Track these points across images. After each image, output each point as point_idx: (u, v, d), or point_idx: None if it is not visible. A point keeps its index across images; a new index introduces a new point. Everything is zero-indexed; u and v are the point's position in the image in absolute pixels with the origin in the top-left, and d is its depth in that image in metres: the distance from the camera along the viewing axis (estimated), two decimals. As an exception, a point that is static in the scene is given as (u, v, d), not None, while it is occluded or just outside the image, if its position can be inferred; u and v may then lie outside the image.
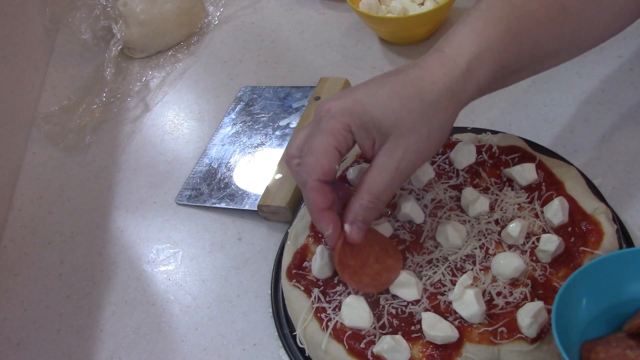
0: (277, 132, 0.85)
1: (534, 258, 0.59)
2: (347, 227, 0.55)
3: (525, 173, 0.63)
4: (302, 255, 0.64)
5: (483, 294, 0.56)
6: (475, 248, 0.60)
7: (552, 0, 0.56)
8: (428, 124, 0.52)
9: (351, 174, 0.67)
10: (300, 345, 0.59)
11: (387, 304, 0.58)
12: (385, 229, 0.62)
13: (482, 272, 0.58)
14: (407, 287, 0.57)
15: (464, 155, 0.67)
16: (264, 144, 0.84)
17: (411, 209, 0.62)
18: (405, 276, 0.58)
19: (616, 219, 0.63)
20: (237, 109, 0.91)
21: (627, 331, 0.49)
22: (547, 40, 0.57)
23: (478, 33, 0.54)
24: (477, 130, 0.72)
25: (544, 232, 0.60)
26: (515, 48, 0.55)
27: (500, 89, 0.60)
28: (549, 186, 0.63)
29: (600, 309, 0.52)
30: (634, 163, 0.70)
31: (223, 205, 0.78)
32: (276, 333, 0.64)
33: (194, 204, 0.80)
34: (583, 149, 0.73)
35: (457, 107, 0.54)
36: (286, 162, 0.58)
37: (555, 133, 0.75)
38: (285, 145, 0.80)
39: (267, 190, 0.75)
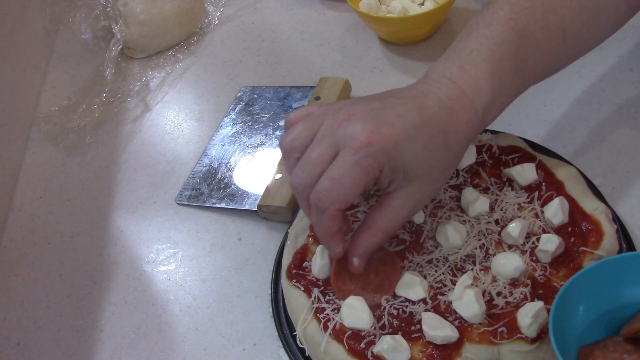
0: (277, 132, 0.85)
1: (534, 258, 0.59)
2: (355, 260, 0.56)
3: (525, 173, 0.63)
4: (302, 255, 0.64)
5: (483, 294, 0.56)
6: (475, 248, 0.60)
7: (555, 29, 0.57)
8: (448, 171, 0.57)
9: None
10: (300, 345, 0.59)
11: (387, 304, 0.58)
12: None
13: (482, 272, 0.58)
14: (412, 288, 0.58)
15: (464, 155, 0.67)
16: (264, 144, 0.84)
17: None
18: (408, 277, 0.58)
19: (616, 219, 0.63)
20: (237, 109, 0.91)
21: (624, 335, 0.49)
22: (547, 67, 0.60)
23: (493, 74, 0.55)
24: (477, 130, 0.72)
25: (544, 232, 0.60)
26: (520, 81, 0.57)
27: None
28: (549, 186, 0.63)
29: (597, 314, 0.52)
30: (634, 163, 0.70)
31: (223, 205, 0.78)
32: (276, 333, 0.64)
33: (194, 204, 0.80)
34: (583, 149, 0.73)
35: (466, 150, 0.57)
36: (282, 149, 0.56)
37: (555, 133, 0.75)
38: (285, 145, 0.80)
39: (267, 190, 0.75)
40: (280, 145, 0.56)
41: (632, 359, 0.47)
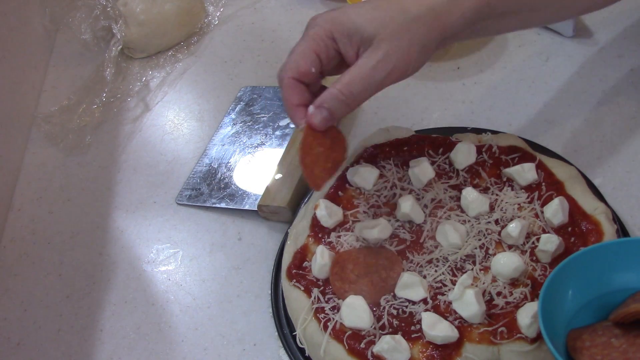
0: (277, 132, 0.85)
1: (534, 258, 0.59)
2: (311, 108, 0.56)
3: (525, 173, 0.63)
4: (302, 255, 0.64)
5: (483, 294, 0.56)
6: (475, 248, 0.60)
7: None
8: (409, 34, 0.54)
9: (351, 173, 0.67)
10: (300, 345, 0.59)
11: (387, 304, 0.58)
12: (384, 228, 0.62)
13: (482, 272, 0.58)
14: (412, 288, 0.58)
15: (464, 155, 0.67)
16: (264, 144, 0.84)
17: (411, 209, 0.62)
18: (408, 277, 0.58)
19: (616, 219, 0.63)
20: (237, 109, 0.91)
21: (613, 320, 0.50)
22: None
23: None
24: (477, 130, 0.72)
25: (544, 232, 0.60)
26: None
27: (489, 36, 0.60)
28: (549, 186, 0.63)
29: (587, 299, 0.52)
30: (634, 163, 0.70)
31: (223, 205, 0.78)
32: (276, 333, 0.64)
33: (194, 204, 0.80)
34: (583, 149, 0.73)
35: (440, 29, 0.55)
36: (277, 75, 0.59)
37: (555, 133, 0.75)
38: (286, 145, 0.80)
39: (267, 190, 0.75)
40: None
41: (619, 342, 0.47)
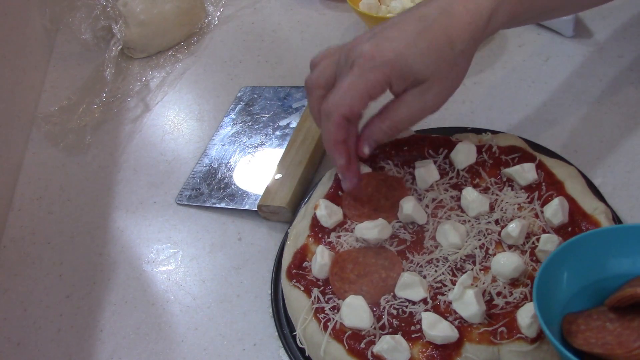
0: (277, 132, 0.85)
1: (534, 258, 0.59)
2: (363, 145, 0.60)
3: (525, 173, 0.63)
4: (302, 255, 0.64)
5: (483, 294, 0.56)
6: (475, 248, 0.60)
7: None
8: (456, 70, 0.58)
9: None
10: (300, 345, 0.59)
11: (387, 304, 0.58)
12: (384, 229, 0.62)
13: (482, 272, 0.58)
14: (412, 288, 0.58)
15: (464, 155, 0.67)
16: (264, 144, 0.84)
17: (414, 210, 0.62)
18: (408, 277, 0.58)
19: (616, 219, 0.63)
20: (237, 109, 0.91)
21: (608, 304, 0.50)
22: None
23: None
24: (477, 130, 0.72)
25: (544, 232, 0.60)
26: (528, 2, 0.60)
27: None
28: (549, 186, 0.63)
29: (582, 284, 0.52)
30: (634, 163, 0.70)
31: (223, 205, 0.78)
32: (276, 333, 0.64)
33: (194, 204, 0.80)
34: (583, 149, 0.73)
35: (475, 50, 0.59)
36: (307, 87, 0.62)
37: (555, 133, 0.75)
38: (286, 145, 0.80)
39: (267, 190, 0.75)
40: (305, 84, 0.63)
41: (614, 326, 0.48)
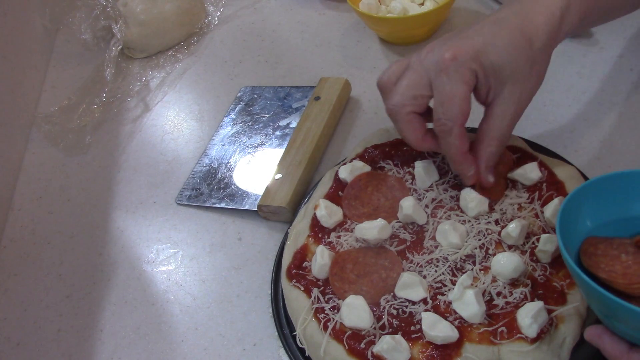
0: (277, 132, 0.85)
1: (534, 258, 0.59)
2: (484, 174, 0.61)
3: (529, 174, 0.63)
4: (302, 255, 0.64)
5: (483, 294, 0.56)
6: (475, 248, 0.60)
7: None
8: (536, 68, 0.58)
9: (343, 172, 0.68)
10: (300, 345, 0.59)
11: (387, 304, 0.58)
12: (384, 229, 0.62)
13: (482, 272, 0.58)
14: (412, 288, 0.57)
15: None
16: (264, 144, 0.84)
17: (413, 210, 0.62)
18: (408, 277, 0.58)
19: (616, 219, 0.63)
20: (237, 109, 0.91)
21: (637, 240, 0.50)
22: None
23: None
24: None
25: (544, 232, 0.60)
26: (593, 1, 0.61)
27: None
28: (549, 186, 0.63)
29: (608, 219, 0.52)
30: (634, 163, 0.70)
31: (223, 205, 0.78)
32: (276, 333, 0.64)
33: (194, 204, 0.80)
34: (583, 149, 0.73)
35: (552, 50, 0.60)
36: (393, 112, 0.60)
37: (555, 133, 0.75)
38: (286, 145, 0.80)
39: (267, 190, 0.75)
40: (378, 84, 0.61)
41: (627, 258, 0.49)
